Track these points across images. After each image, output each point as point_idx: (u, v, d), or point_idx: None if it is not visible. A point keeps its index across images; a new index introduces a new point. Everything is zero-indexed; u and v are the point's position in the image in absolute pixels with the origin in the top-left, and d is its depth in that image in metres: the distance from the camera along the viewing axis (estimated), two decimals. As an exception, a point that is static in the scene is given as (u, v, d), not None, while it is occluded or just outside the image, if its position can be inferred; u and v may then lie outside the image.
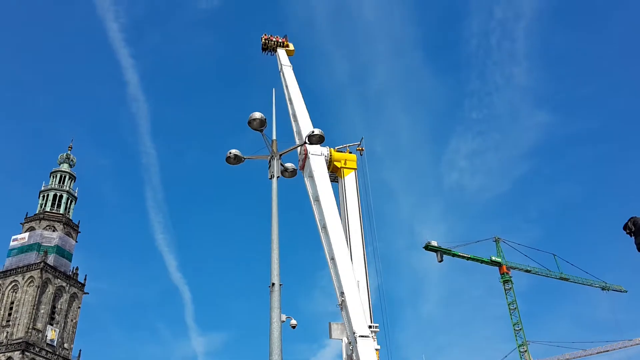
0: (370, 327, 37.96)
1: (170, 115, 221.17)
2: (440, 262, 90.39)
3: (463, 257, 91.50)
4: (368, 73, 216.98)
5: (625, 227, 11.65)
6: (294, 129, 44.39)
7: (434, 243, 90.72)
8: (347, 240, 42.00)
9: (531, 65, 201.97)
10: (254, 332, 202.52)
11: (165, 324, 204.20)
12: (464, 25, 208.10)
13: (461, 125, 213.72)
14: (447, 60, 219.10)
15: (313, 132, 16.37)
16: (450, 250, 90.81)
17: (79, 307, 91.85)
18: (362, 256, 41.39)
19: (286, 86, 47.96)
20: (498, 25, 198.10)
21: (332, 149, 44.82)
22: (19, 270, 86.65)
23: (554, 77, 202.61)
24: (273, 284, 14.29)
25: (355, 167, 44.98)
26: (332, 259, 36.12)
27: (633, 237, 11.47)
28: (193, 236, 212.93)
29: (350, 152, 45.77)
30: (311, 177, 40.68)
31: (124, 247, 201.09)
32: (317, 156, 41.50)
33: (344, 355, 38.61)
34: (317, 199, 39.26)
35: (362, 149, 46.03)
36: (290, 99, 46.42)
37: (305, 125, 42.93)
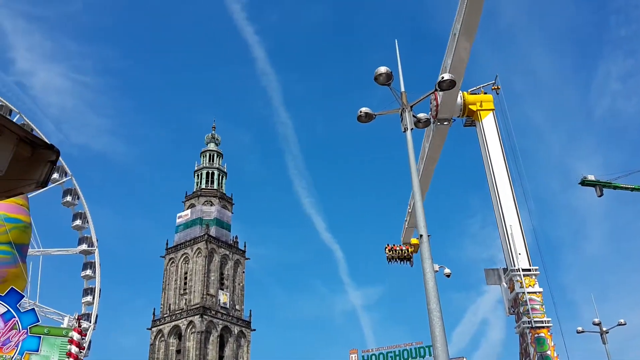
0: (529, 270, 36.69)
1: (299, 84, 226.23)
2: (600, 196, 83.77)
3: (626, 188, 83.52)
4: (496, 8, 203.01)
5: None
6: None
7: (591, 177, 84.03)
8: (493, 184, 40.60)
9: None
10: (409, 283, 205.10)
11: (322, 281, 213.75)
12: None
13: (609, 47, 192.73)
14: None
15: (443, 77, 15.80)
16: (611, 183, 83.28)
17: (244, 272, 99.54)
18: (512, 198, 39.77)
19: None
20: None
21: (465, 92, 43.02)
22: (187, 243, 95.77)
23: None
24: (421, 236, 14.30)
25: (493, 107, 42.77)
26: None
27: None
28: (336, 197, 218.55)
29: (485, 93, 43.60)
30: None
31: (274, 214, 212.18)
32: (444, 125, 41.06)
33: (505, 300, 37.81)
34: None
35: (497, 88, 43.50)
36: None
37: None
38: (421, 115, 16.57)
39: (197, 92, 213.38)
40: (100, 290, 58.91)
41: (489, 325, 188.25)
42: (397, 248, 47.04)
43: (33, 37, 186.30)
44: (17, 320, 16.60)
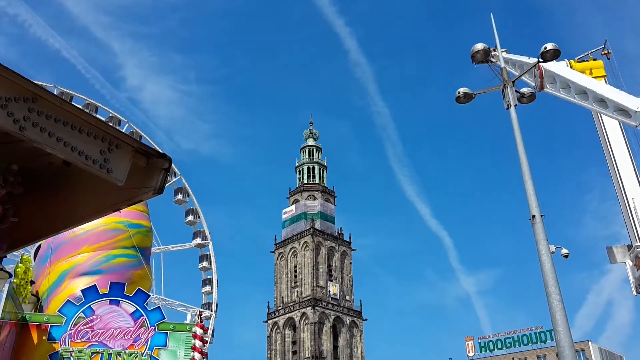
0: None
1: (392, 71, 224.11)
2: None
3: None
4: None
5: None
6: None
7: None
8: (610, 155, 37.90)
9: None
10: (524, 264, 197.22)
11: (431, 268, 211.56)
12: None
13: None
14: None
15: (546, 47, 14.87)
16: None
17: (351, 263, 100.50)
18: (633, 170, 36.85)
19: None
20: None
21: (571, 61, 40.37)
22: (294, 238, 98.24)
23: None
24: (533, 216, 13.62)
25: (604, 74, 39.63)
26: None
27: None
28: (439, 182, 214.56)
29: (594, 59, 40.66)
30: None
31: (377, 204, 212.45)
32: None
33: (631, 279, 35.24)
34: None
35: (608, 52, 40.38)
36: None
37: None
38: (525, 90, 15.75)
39: (293, 89, 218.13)
40: (217, 280, 61.98)
41: (615, 306, 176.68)
42: None
43: (140, 54, 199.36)
44: (145, 319, 17.85)
